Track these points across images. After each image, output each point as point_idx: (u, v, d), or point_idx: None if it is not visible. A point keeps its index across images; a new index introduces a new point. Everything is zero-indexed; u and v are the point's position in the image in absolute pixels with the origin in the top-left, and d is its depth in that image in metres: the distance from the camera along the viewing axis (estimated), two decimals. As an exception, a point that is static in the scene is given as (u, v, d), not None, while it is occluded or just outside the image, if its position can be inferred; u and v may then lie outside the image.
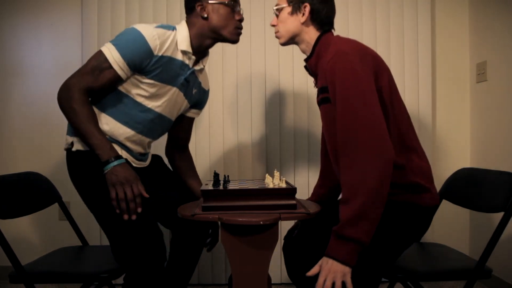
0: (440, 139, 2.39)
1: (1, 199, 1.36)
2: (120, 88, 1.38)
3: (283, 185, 1.33)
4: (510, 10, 2.04)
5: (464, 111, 2.39)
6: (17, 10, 2.37)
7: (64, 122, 2.30)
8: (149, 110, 1.42)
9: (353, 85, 1.14)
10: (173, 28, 1.42)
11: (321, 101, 1.31)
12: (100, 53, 1.32)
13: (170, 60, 1.39)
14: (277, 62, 2.31)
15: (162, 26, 1.39)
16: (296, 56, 2.30)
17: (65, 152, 1.42)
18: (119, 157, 1.29)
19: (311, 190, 2.29)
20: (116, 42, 1.32)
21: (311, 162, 2.31)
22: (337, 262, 1.09)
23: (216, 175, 1.40)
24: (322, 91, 1.27)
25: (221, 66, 2.30)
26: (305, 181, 2.31)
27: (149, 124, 1.45)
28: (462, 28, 2.39)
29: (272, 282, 1.35)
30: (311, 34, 1.34)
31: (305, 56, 1.46)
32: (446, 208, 1.31)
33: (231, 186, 1.36)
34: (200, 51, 1.47)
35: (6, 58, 2.38)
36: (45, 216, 2.33)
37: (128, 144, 1.43)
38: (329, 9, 1.34)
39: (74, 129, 1.32)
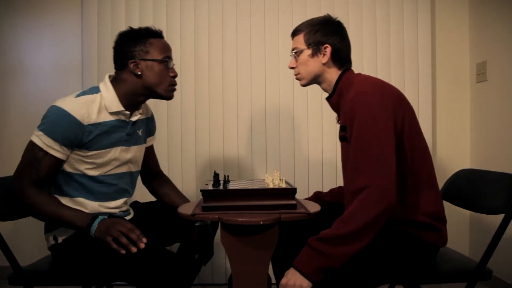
0: (440, 139, 2.39)
1: (0, 201, 1.35)
2: (69, 169, 1.34)
3: (283, 185, 1.33)
4: (510, 10, 2.04)
5: (464, 111, 2.39)
6: (17, 10, 2.37)
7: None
8: (105, 177, 1.39)
9: (370, 128, 1.15)
10: (97, 91, 1.37)
11: (341, 139, 1.32)
12: (31, 144, 1.29)
13: (104, 125, 1.34)
14: (277, 62, 2.31)
15: (84, 93, 1.34)
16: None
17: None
18: (96, 217, 1.26)
19: (311, 190, 2.29)
20: (42, 127, 1.29)
21: (311, 162, 2.31)
22: (300, 274, 1.09)
23: (216, 175, 1.40)
24: (342, 129, 1.29)
25: (221, 67, 2.30)
26: (305, 181, 2.31)
27: (114, 188, 1.42)
28: (462, 28, 2.39)
29: (272, 282, 1.35)
30: (333, 73, 1.35)
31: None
32: (446, 209, 1.31)
33: (231, 186, 1.36)
34: (132, 106, 1.41)
35: (6, 58, 2.38)
36: (45, 217, 2.33)
37: (108, 211, 1.40)
38: (347, 47, 1.36)
39: (46, 221, 1.32)
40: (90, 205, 1.37)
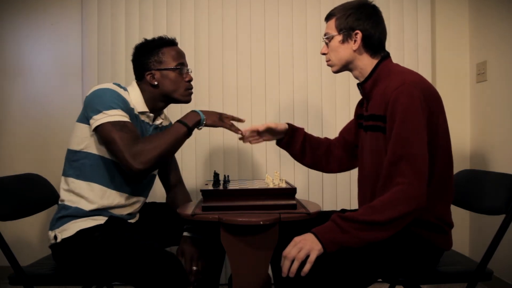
0: (440, 139, 2.39)
1: (0, 201, 1.35)
2: (100, 153, 1.36)
3: (283, 185, 1.33)
4: (510, 10, 2.04)
5: (464, 111, 2.39)
6: (17, 10, 2.37)
7: (63, 123, 2.31)
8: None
9: (412, 124, 1.14)
10: (126, 90, 1.43)
11: (370, 128, 1.29)
12: (112, 125, 1.28)
13: (138, 117, 1.42)
14: (277, 62, 2.31)
15: (117, 84, 1.41)
16: (296, 57, 2.30)
17: (52, 233, 1.37)
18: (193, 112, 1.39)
19: (311, 190, 2.30)
20: (104, 107, 1.29)
21: (311, 162, 2.31)
22: (316, 238, 1.08)
23: (216, 175, 1.40)
24: (375, 118, 1.25)
25: (221, 67, 2.30)
26: (305, 181, 2.31)
27: (132, 182, 1.42)
28: (462, 28, 2.38)
29: (272, 282, 1.35)
30: (365, 60, 1.31)
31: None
32: (446, 209, 1.33)
33: (231, 186, 1.36)
34: (155, 111, 1.49)
35: (6, 58, 2.37)
36: (45, 218, 2.32)
37: (117, 210, 1.41)
38: (381, 32, 1.31)
39: (168, 153, 1.32)
40: (106, 193, 1.37)
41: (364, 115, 1.36)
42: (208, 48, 2.30)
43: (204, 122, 1.39)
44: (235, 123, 1.49)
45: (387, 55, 1.32)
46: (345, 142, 1.55)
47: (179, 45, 1.52)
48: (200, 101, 2.29)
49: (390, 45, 2.31)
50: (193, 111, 1.40)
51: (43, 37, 2.38)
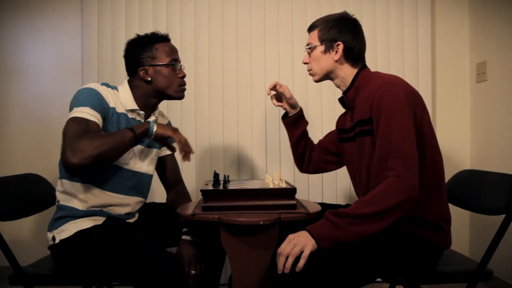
0: (440, 139, 2.36)
1: (0, 201, 1.35)
2: None
3: (283, 185, 1.33)
4: (510, 10, 2.04)
5: (464, 111, 2.39)
6: (17, 10, 2.37)
7: (63, 123, 2.30)
8: (119, 168, 1.39)
9: (398, 119, 1.16)
10: (115, 88, 1.43)
11: (358, 134, 1.31)
12: (70, 121, 1.24)
13: (122, 116, 1.39)
14: (277, 62, 2.31)
15: (106, 84, 1.41)
16: (296, 56, 2.30)
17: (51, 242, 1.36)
18: (142, 125, 1.30)
19: (311, 190, 2.30)
20: (76, 104, 1.28)
21: (311, 162, 2.31)
22: (309, 234, 1.09)
23: (216, 175, 1.40)
24: (362, 124, 1.28)
25: (221, 67, 2.30)
26: (305, 181, 2.31)
27: (127, 184, 1.42)
28: (462, 28, 2.39)
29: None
30: (346, 70, 1.36)
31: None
32: (446, 209, 1.33)
33: (231, 186, 1.36)
34: (147, 108, 1.47)
35: (6, 58, 2.38)
36: (45, 218, 2.32)
37: (119, 202, 1.41)
38: (361, 45, 1.37)
39: (108, 155, 1.22)
40: (99, 194, 1.37)
41: (346, 128, 1.41)
42: (208, 48, 2.30)
43: (154, 130, 1.28)
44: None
45: (364, 66, 1.38)
46: (324, 150, 1.60)
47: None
48: (200, 101, 2.29)
49: (390, 45, 2.31)
50: (147, 122, 1.32)
51: (43, 37, 2.38)
